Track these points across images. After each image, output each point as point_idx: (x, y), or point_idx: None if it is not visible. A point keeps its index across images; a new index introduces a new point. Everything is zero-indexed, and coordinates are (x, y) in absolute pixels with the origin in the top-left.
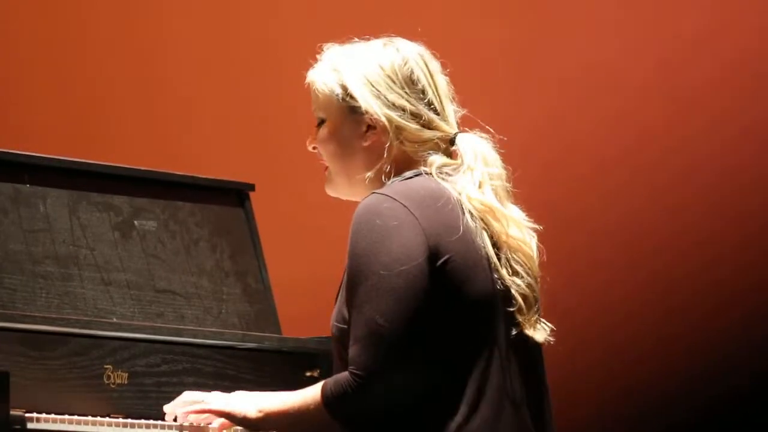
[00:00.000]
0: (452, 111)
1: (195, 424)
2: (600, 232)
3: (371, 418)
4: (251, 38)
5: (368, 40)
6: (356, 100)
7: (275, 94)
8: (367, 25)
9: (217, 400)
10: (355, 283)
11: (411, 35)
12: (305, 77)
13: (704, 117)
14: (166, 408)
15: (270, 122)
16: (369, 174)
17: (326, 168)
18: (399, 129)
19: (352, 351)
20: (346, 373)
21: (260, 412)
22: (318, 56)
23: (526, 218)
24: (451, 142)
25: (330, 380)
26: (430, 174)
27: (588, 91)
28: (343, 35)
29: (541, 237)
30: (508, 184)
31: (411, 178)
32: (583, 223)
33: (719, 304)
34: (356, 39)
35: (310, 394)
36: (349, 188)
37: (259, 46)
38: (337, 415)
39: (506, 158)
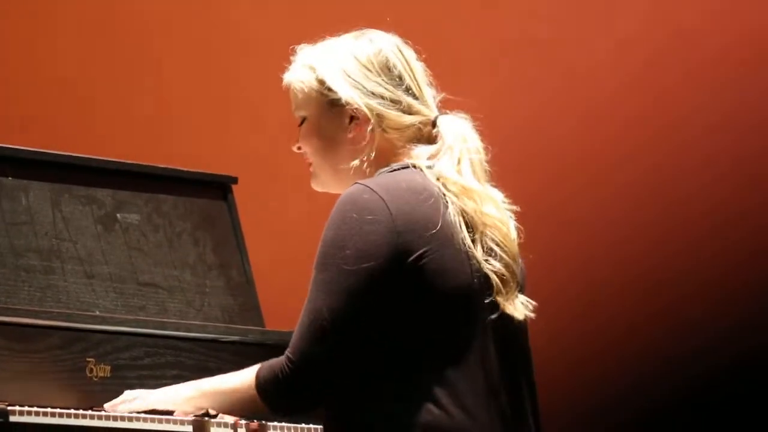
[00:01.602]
0: (431, 95)
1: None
2: (582, 217)
3: (300, 409)
4: (236, 31)
5: (339, 35)
6: (335, 93)
7: (259, 86)
8: (353, 19)
9: (154, 394)
10: (316, 270)
11: (401, 18)
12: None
13: (678, 113)
14: (107, 406)
15: (253, 115)
16: (354, 163)
17: (310, 164)
18: (380, 117)
19: (294, 335)
20: (281, 359)
21: (197, 390)
22: (291, 58)
23: (505, 200)
24: (433, 124)
25: (265, 364)
26: (418, 167)
27: (568, 88)
28: (330, 28)
29: (521, 224)
30: (486, 165)
31: (398, 170)
32: (564, 211)
33: (697, 286)
34: (327, 37)
35: (245, 377)
36: (335, 181)
37: (244, 39)
38: (264, 398)
39: (494, 146)
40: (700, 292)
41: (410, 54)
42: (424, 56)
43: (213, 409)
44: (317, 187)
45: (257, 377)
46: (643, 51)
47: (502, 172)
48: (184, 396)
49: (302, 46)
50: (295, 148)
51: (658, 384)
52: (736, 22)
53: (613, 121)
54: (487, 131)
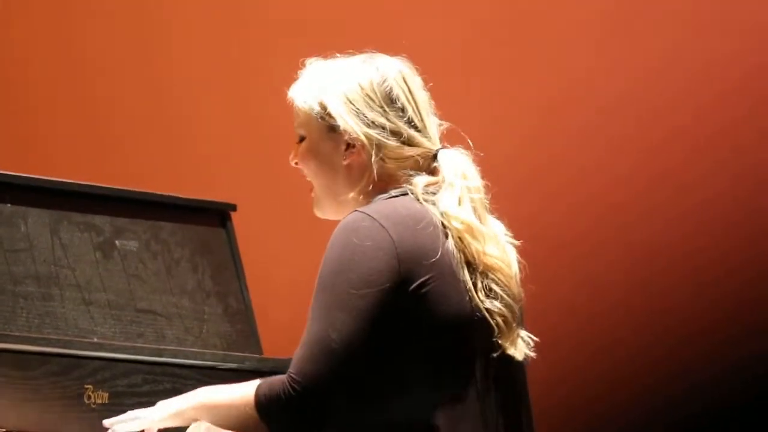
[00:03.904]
0: (435, 126)
1: None
2: (590, 240)
3: (301, 429)
4: (234, 56)
5: (351, 55)
6: (335, 119)
7: (258, 113)
8: (352, 40)
9: (155, 410)
10: (318, 294)
11: (395, 48)
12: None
13: (671, 128)
14: (106, 422)
15: (253, 141)
16: (352, 194)
17: (312, 189)
18: (379, 147)
19: (297, 354)
20: (282, 377)
21: (197, 402)
22: (300, 72)
23: (507, 232)
24: (434, 157)
25: (265, 382)
26: (416, 194)
27: (562, 106)
28: (329, 50)
29: (518, 249)
30: (486, 199)
31: (395, 197)
32: (559, 231)
33: (704, 304)
34: (338, 55)
35: (243, 392)
36: (336, 207)
37: (241, 65)
38: (265, 418)
39: (486, 172)
40: (706, 308)
41: (415, 83)
42: (431, 84)
43: (210, 422)
44: (319, 213)
45: (257, 394)
46: (636, 67)
47: (505, 193)
48: (179, 408)
49: (311, 60)
50: (293, 163)
51: (663, 402)
52: (759, 54)
53: (613, 135)
54: (488, 151)
